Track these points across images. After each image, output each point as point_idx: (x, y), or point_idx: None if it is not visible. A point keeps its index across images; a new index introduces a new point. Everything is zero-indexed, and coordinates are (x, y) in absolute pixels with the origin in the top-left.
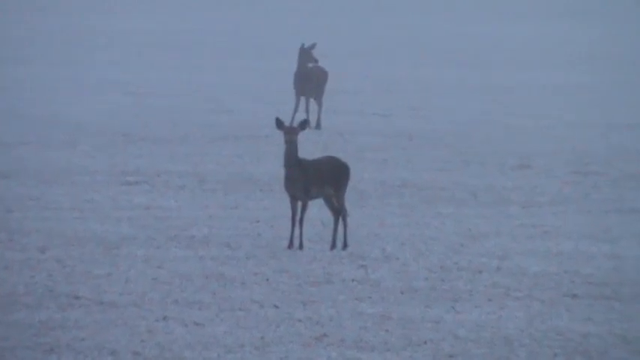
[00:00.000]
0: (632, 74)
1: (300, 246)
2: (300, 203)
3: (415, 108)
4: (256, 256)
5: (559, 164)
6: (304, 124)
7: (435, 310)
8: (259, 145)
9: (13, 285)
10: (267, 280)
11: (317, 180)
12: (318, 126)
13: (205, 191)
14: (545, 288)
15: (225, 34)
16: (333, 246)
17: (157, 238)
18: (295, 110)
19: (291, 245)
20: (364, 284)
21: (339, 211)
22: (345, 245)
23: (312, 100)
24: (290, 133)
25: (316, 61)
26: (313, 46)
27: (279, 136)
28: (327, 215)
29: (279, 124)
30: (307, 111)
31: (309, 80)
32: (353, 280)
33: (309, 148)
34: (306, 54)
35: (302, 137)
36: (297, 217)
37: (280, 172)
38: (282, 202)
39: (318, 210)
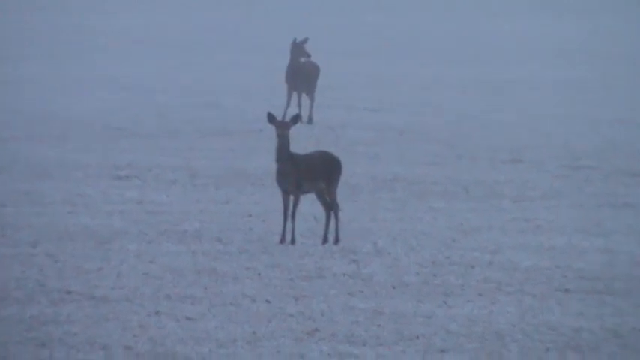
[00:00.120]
0: (622, 69)
1: (292, 240)
2: (291, 198)
3: (407, 103)
4: (248, 250)
5: (551, 159)
6: (296, 118)
7: (427, 304)
8: (251, 140)
9: (4, 280)
10: (259, 274)
11: (309, 175)
12: (309, 121)
13: (197, 186)
14: (537, 282)
15: (217, 30)
16: (325, 240)
17: (149, 233)
18: (287, 105)
19: (283, 240)
20: (356, 279)
21: (330, 206)
22: (336, 240)
23: (303, 94)
24: (282, 127)
25: (308, 55)
26: (305, 40)
27: (271, 131)
28: (319, 210)
29: (270, 118)
30: (299, 106)
31: (301, 75)
32: (345, 275)
33: (301, 142)
34: (298, 49)
35: (294, 132)
36: (289, 212)
37: (272, 166)
38: (273, 197)
39: (310, 205)
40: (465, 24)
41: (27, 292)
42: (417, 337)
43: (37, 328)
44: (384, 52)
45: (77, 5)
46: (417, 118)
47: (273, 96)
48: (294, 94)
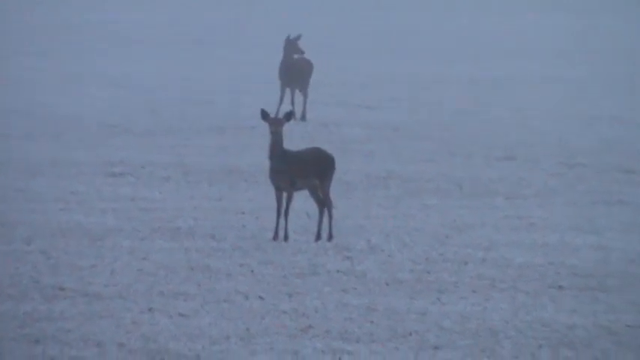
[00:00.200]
0: (617, 67)
1: (286, 237)
2: (285, 195)
3: (401, 100)
4: (241, 247)
5: (544, 156)
6: (289, 115)
7: (421, 301)
8: (244, 137)
9: None
10: (253, 271)
11: (302, 171)
12: (303, 117)
13: (190, 183)
14: (531, 279)
15: (211, 28)
16: (319, 237)
17: (142, 230)
18: (280, 101)
19: (276, 237)
20: (349, 276)
21: (324, 203)
22: (330, 237)
23: (297, 91)
24: (275, 124)
25: (302, 52)
26: (299, 37)
27: (264, 128)
28: (313, 207)
29: (264, 115)
30: (292, 102)
31: (295, 72)
32: (338, 272)
33: (295, 139)
34: (291, 45)
35: (287, 129)
36: (283, 209)
37: (265, 163)
38: (267, 194)
39: (303, 201)
40: (460, 22)
41: (21, 288)
42: (411, 334)
43: (31, 324)
44: (378, 50)
45: (72, 2)
46: (411, 116)
47: (266, 93)
48: (288, 91)
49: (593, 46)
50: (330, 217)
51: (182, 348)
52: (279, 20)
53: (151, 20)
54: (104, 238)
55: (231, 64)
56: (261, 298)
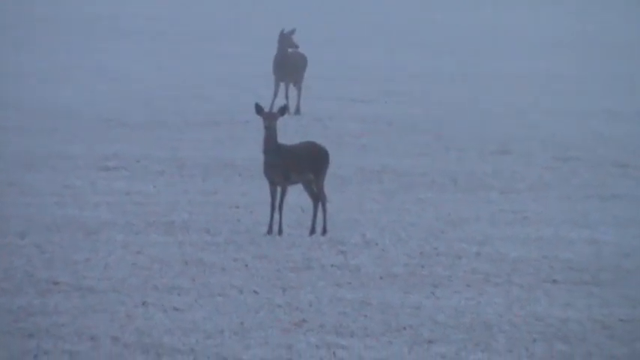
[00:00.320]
0: (610, 61)
1: (280, 232)
2: (279, 189)
3: (395, 94)
4: (236, 241)
5: (539, 150)
6: (284, 109)
7: (415, 295)
8: (238, 131)
9: None
10: (247, 265)
11: (296, 166)
12: (297, 111)
13: (184, 177)
14: (525, 273)
15: (205, 21)
16: (313, 231)
17: (137, 224)
18: (275, 96)
19: (270, 231)
20: (344, 270)
21: (318, 197)
22: (324, 231)
23: (291, 85)
24: (269, 118)
25: (296, 46)
26: (293, 31)
27: (259, 122)
28: (307, 201)
29: (258, 109)
30: (287, 97)
31: (289, 66)
32: (332, 266)
33: (289, 133)
34: (285, 39)
35: (281, 123)
36: (277, 203)
37: (259, 157)
38: (261, 188)
39: (297, 196)
40: (454, 15)
41: (15, 282)
42: (405, 328)
43: (25, 318)
44: (373, 44)
45: None
46: (405, 110)
47: (260, 87)
48: (282, 85)
49: (586, 41)
50: (325, 211)
51: (176, 342)
52: (273, 13)
53: (146, 14)
54: (98, 232)
55: (226, 58)
56: (255, 292)
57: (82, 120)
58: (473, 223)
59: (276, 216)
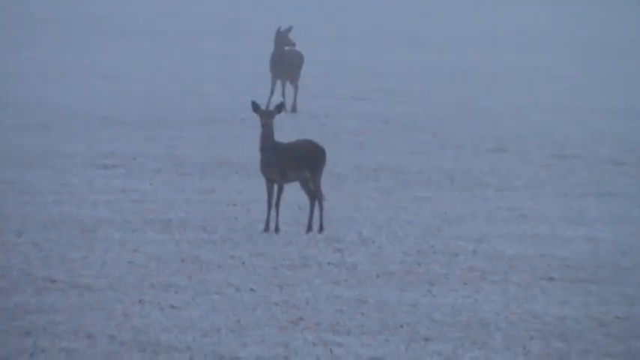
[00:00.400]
0: (606, 59)
1: (277, 229)
2: (276, 187)
3: (392, 92)
4: (232, 239)
5: (535, 148)
6: (280, 107)
7: (411, 293)
8: (235, 129)
9: None
10: (244, 263)
11: (293, 163)
12: (294, 109)
13: (181, 175)
14: (521, 271)
15: (202, 18)
16: (309, 229)
17: (134, 222)
18: (271, 93)
19: (267, 229)
20: (340, 268)
21: (315, 195)
22: (321, 229)
23: (288, 83)
24: (266, 116)
25: (293, 44)
26: (289, 29)
27: (255, 120)
28: (303, 199)
29: (255, 107)
30: (283, 94)
31: (285, 63)
32: (329, 264)
33: (286, 131)
34: (282, 37)
35: (278, 121)
36: (274, 201)
37: (256, 155)
38: (258, 186)
39: (294, 193)
40: (451, 13)
41: (12, 281)
42: (402, 326)
43: (22, 317)
44: (369, 41)
45: None
46: (402, 107)
47: (257, 84)
48: (279, 83)
49: (583, 37)
50: (321, 209)
51: (173, 340)
52: (270, 10)
53: (143, 12)
54: (95, 230)
55: (222, 56)
56: (252, 290)
57: (80, 118)
58: (469, 221)
59: (273, 214)
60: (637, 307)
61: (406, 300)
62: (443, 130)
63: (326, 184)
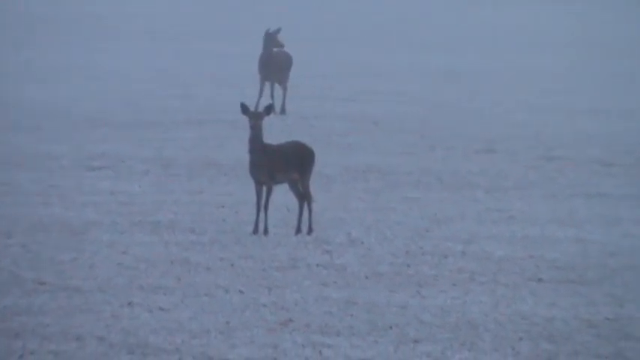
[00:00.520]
0: (596, 58)
1: (265, 231)
2: (264, 188)
3: (380, 93)
4: (221, 241)
5: (524, 149)
6: (269, 109)
7: (400, 294)
8: (223, 130)
9: None
10: (232, 265)
11: (282, 165)
12: (282, 111)
13: (170, 176)
14: (510, 272)
15: (191, 19)
16: (298, 231)
17: (122, 224)
18: (260, 95)
19: (256, 230)
20: (329, 269)
21: (304, 196)
22: (310, 230)
23: (276, 84)
24: (255, 118)
25: (282, 45)
26: (278, 30)
27: (244, 121)
28: (292, 200)
29: (244, 109)
30: (272, 96)
31: (274, 65)
32: (318, 265)
33: (274, 133)
34: (271, 39)
35: (267, 122)
36: (262, 202)
37: (245, 157)
38: (246, 188)
39: (283, 195)
40: (439, 13)
41: (0, 283)
42: (391, 328)
43: (10, 318)
44: (357, 42)
45: None
46: (390, 108)
47: (246, 86)
48: (267, 85)
49: (571, 38)
50: (310, 210)
51: (162, 342)
52: (258, 12)
53: (131, 13)
54: (84, 231)
55: (211, 57)
56: (241, 291)
57: (67, 119)
58: (458, 222)
59: (262, 215)
60: (626, 308)
61: (395, 301)
62: (432, 131)
63: (315, 185)
